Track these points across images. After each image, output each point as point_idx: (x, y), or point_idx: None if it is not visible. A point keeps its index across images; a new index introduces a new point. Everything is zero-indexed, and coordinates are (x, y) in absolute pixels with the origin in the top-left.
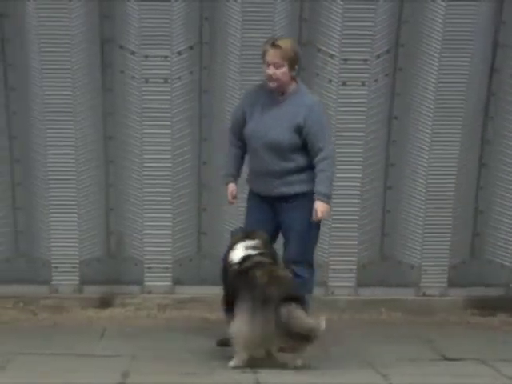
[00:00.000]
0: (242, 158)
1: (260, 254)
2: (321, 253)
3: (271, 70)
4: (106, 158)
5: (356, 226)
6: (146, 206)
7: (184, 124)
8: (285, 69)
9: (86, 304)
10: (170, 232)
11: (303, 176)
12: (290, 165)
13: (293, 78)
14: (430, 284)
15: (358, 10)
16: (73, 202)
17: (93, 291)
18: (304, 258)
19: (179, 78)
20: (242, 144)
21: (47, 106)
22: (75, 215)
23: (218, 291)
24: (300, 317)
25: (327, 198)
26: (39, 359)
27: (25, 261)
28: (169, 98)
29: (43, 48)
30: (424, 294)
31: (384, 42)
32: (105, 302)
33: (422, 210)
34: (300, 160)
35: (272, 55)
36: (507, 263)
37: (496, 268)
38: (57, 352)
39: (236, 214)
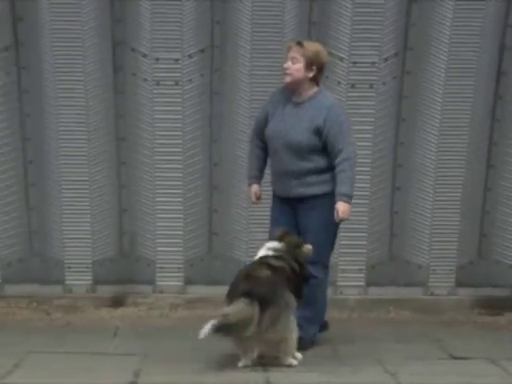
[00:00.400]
0: (265, 159)
1: (274, 257)
2: None
3: (287, 64)
4: (119, 160)
5: (365, 226)
6: (157, 207)
7: (195, 126)
8: (299, 65)
9: (98, 303)
10: (181, 232)
11: (322, 177)
12: (309, 165)
13: (313, 80)
14: (437, 284)
15: (366, 14)
16: (86, 203)
17: (106, 291)
18: (319, 259)
19: (190, 80)
20: (264, 145)
21: (60, 108)
22: (88, 216)
23: (226, 291)
24: (233, 307)
25: (348, 199)
26: (53, 358)
27: (38, 261)
28: (180, 100)
29: (56, 51)
30: (432, 294)
31: (392, 45)
32: (117, 302)
33: (429, 211)
34: (319, 161)
35: (292, 51)
36: None
37: (503, 268)
38: (70, 351)
39: (247, 215)
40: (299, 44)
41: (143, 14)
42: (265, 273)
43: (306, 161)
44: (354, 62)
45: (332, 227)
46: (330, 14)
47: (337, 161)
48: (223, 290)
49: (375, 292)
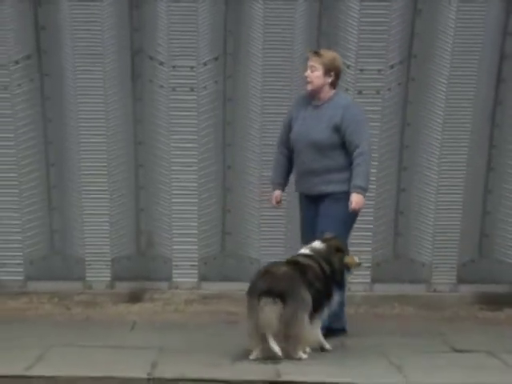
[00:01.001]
0: (289, 166)
1: (306, 255)
2: None
3: (307, 73)
4: (137, 162)
5: (371, 226)
6: (173, 207)
7: (209, 130)
8: (318, 73)
9: (117, 299)
10: (196, 232)
11: (342, 176)
12: (330, 163)
13: (331, 85)
14: (440, 281)
15: (372, 24)
16: (105, 203)
17: (124, 287)
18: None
19: (205, 87)
20: (289, 153)
21: (81, 113)
22: (107, 215)
23: (240, 287)
24: (264, 311)
25: (362, 191)
26: (73, 351)
27: (60, 258)
28: (195, 105)
29: (77, 59)
30: (435, 290)
31: (397, 53)
32: (135, 298)
33: (432, 212)
34: (339, 159)
35: (311, 60)
36: None
37: (503, 266)
38: (90, 344)
39: (258, 215)
40: (316, 53)
41: (160, 24)
42: (282, 269)
43: (327, 158)
44: (361, 70)
45: (349, 224)
46: (338, 23)
47: (354, 155)
48: (236, 286)
49: (380, 289)
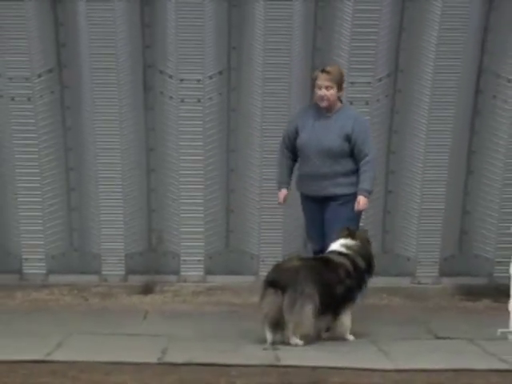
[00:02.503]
0: (293, 167)
1: (339, 253)
2: None
3: (323, 92)
4: (148, 167)
5: (361, 224)
6: (182, 208)
7: (214, 137)
8: (333, 90)
9: (130, 291)
10: (202, 230)
11: (350, 179)
12: (339, 168)
13: (338, 98)
14: (424, 274)
15: (362, 40)
16: (120, 204)
17: (136, 280)
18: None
19: (210, 98)
20: (292, 156)
21: (97, 122)
22: (121, 215)
23: (242, 280)
24: (264, 300)
25: (368, 194)
26: (90, 338)
27: (78, 254)
28: (201, 115)
29: (94, 73)
30: (419, 283)
31: (385, 67)
32: (147, 290)
33: (417, 211)
34: (347, 165)
35: (323, 79)
36: (490, 256)
37: (481, 261)
38: (106, 332)
39: (259, 214)
40: (327, 72)
41: (170, 41)
42: (292, 264)
43: (336, 164)
44: (352, 82)
45: (356, 222)
46: (332, 41)
47: (362, 162)
48: (238, 279)
49: (370, 281)
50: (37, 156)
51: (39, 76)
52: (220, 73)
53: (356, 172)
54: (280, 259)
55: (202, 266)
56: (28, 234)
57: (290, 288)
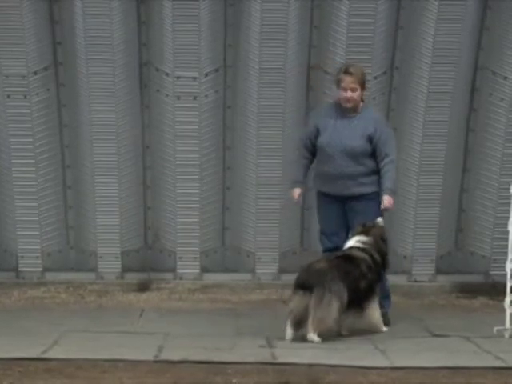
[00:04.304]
0: (309, 167)
1: (359, 248)
2: None
3: (348, 94)
4: (144, 164)
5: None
6: (178, 205)
7: (210, 135)
8: (358, 91)
9: (126, 289)
10: (198, 227)
11: (371, 178)
12: (362, 168)
13: (361, 97)
14: (420, 272)
15: (359, 38)
16: (116, 202)
17: (132, 277)
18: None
19: (206, 96)
20: (310, 155)
21: (93, 119)
22: (117, 213)
23: (238, 277)
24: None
25: (392, 193)
26: (87, 336)
27: (74, 252)
28: (197, 113)
29: (90, 70)
30: (415, 280)
31: (381, 65)
32: (143, 287)
33: (413, 209)
34: (369, 164)
35: (348, 81)
36: (486, 254)
37: (477, 258)
38: (102, 330)
39: (255, 212)
40: (350, 73)
41: (166, 39)
42: (320, 265)
43: (359, 164)
44: None
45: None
46: (328, 38)
47: (384, 162)
48: (234, 276)
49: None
50: (33, 154)
51: (35, 73)
52: (216, 70)
53: (377, 171)
54: (276, 257)
55: (198, 263)
56: (24, 232)
57: (318, 286)
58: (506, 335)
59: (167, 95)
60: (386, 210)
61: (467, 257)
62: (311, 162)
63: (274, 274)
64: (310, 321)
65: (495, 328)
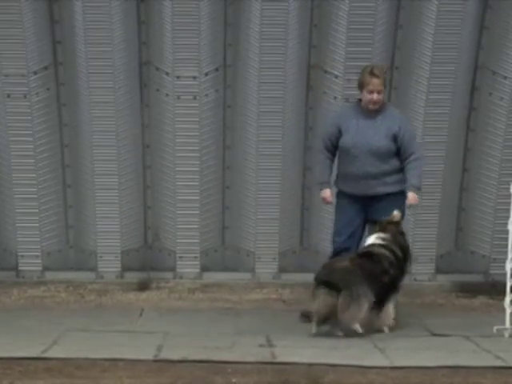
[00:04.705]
0: (332, 167)
1: (380, 245)
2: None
3: (375, 96)
4: (144, 164)
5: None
6: (178, 205)
7: (210, 134)
8: (383, 93)
9: (126, 288)
10: (198, 226)
11: (396, 177)
12: (386, 167)
13: None
14: (420, 271)
15: (358, 37)
16: (115, 201)
17: (132, 277)
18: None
19: (206, 95)
20: (332, 156)
21: (93, 118)
22: (117, 212)
23: (238, 277)
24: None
25: (417, 190)
26: (86, 335)
27: (74, 251)
28: (197, 112)
29: (90, 69)
30: (415, 280)
31: (381, 63)
32: (143, 286)
33: (413, 209)
34: (394, 163)
35: (376, 84)
36: (486, 253)
37: (477, 258)
38: (101, 329)
39: (255, 211)
40: (376, 76)
41: (166, 38)
42: (344, 263)
43: (384, 163)
44: (348, 80)
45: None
46: (328, 38)
47: (409, 160)
48: (234, 276)
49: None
50: (33, 153)
51: (35, 73)
52: (216, 70)
53: (401, 170)
54: (276, 256)
55: (197, 262)
56: (24, 231)
57: (344, 289)
58: (506, 334)
59: (167, 94)
60: (410, 206)
61: (467, 256)
62: (333, 162)
63: (274, 274)
64: (340, 323)
65: (495, 327)
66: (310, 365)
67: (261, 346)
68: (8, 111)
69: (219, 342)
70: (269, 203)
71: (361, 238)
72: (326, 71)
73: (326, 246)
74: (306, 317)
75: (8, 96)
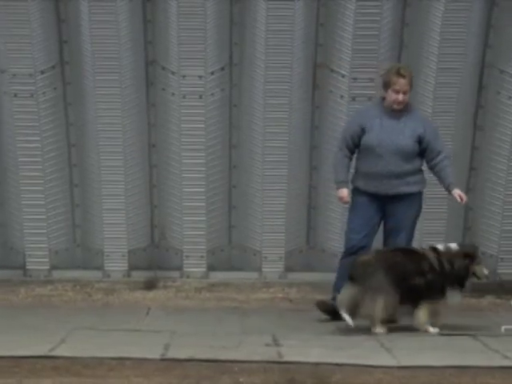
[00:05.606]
0: (350, 166)
1: (434, 250)
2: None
3: (401, 96)
4: (150, 163)
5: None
6: (184, 204)
7: (216, 133)
8: (408, 94)
9: (133, 287)
10: (204, 226)
11: (417, 177)
12: (409, 167)
13: None
14: None
15: (365, 36)
16: (122, 200)
17: (139, 276)
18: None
19: (212, 94)
20: (351, 155)
21: (99, 118)
22: (124, 211)
23: (244, 276)
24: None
25: (458, 186)
26: (93, 334)
27: (81, 250)
28: (203, 111)
29: (96, 69)
30: None
31: (387, 62)
32: (150, 285)
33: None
34: (416, 163)
35: (402, 84)
36: (494, 253)
37: (485, 257)
38: (108, 328)
39: (261, 210)
40: (403, 76)
41: (172, 37)
42: (366, 257)
43: (407, 163)
44: (355, 78)
45: (417, 220)
46: (334, 36)
47: (438, 159)
48: (240, 275)
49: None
50: (40, 152)
51: (42, 72)
52: (222, 69)
53: (421, 170)
54: (283, 255)
55: (204, 261)
56: (31, 230)
57: (360, 282)
58: None
59: (173, 94)
60: (462, 202)
61: None
62: (351, 161)
63: (281, 273)
64: (367, 319)
65: (503, 327)
66: (317, 364)
67: (267, 345)
68: (15, 110)
69: (226, 341)
70: (275, 202)
71: (374, 237)
72: (332, 70)
73: (333, 245)
74: (321, 306)
75: (15, 95)
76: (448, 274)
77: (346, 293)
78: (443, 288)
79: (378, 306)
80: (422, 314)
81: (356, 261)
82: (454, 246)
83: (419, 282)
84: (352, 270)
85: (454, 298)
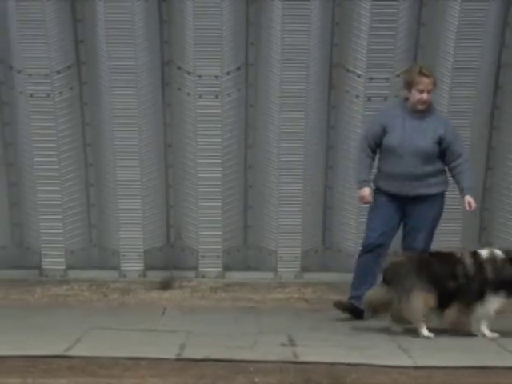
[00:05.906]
0: (372, 166)
1: (475, 254)
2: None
3: (425, 96)
4: (166, 163)
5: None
6: (200, 204)
7: (232, 133)
8: (431, 94)
9: (149, 287)
10: (220, 225)
11: (438, 179)
12: (430, 168)
13: None
14: None
15: (381, 36)
16: (138, 200)
17: (155, 276)
18: (429, 247)
19: (228, 94)
20: (373, 155)
21: (115, 118)
22: (140, 211)
23: (260, 276)
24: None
25: (473, 192)
26: (109, 333)
27: (97, 250)
28: (219, 111)
29: (112, 69)
30: None
31: (403, 63)
32: (165, 285)
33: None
34: (437, 165)
35: (426, 84)
36: None
37: None
38: (124, 328)
39: (277, 210)
40: (427, 76)
41: (188, 37)
42: (398, 259)
43: (428, 165)
44: (371, 78)
45: (438, 222)
46: (350, 36)
47: (458, 161)
48: (256, 275)
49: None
50: (55, 152)
51: (58, 73)
52: (238, 69)
53: (443, 171)
54: (298, 255)
55: (220, 261)
56: (47, 230)
57: (393, 284)
58: None
59: (189, 94)
60: (471, 209)
61: None
62: (374, 161)
63: (296, 273)
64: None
65: None
66: (333, 364)
67: (283, 345)
68: (31, 110)
69: (241, 341)
70: (291, 202)
71: (393, 236)
72: (348, 70)
73: (349, 245)
74: (339, 306)
75: (31, 95)
76: (490, 280)
77: (375, 292)
78: (479, 293)
79: (418, 307)
80: (451, 315)
81: (388, 262)
82: (498, 251)
83: (451, 286)
84: (384, 272)
85: (494, 303)
